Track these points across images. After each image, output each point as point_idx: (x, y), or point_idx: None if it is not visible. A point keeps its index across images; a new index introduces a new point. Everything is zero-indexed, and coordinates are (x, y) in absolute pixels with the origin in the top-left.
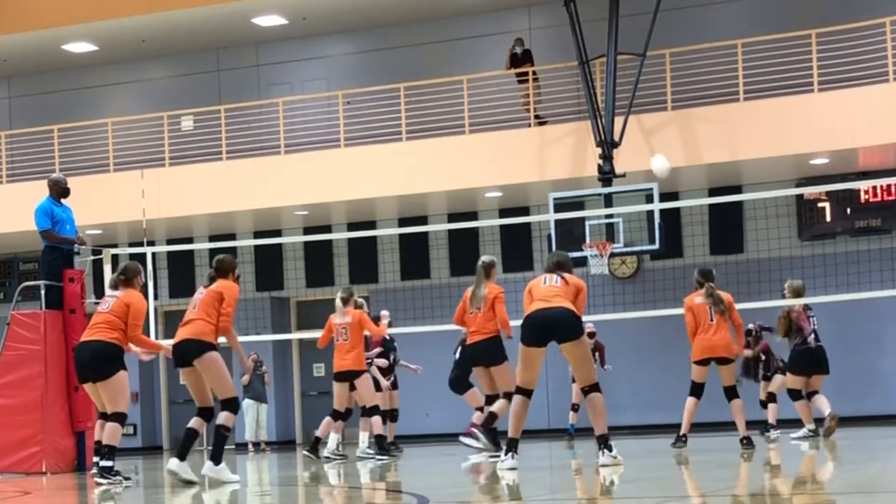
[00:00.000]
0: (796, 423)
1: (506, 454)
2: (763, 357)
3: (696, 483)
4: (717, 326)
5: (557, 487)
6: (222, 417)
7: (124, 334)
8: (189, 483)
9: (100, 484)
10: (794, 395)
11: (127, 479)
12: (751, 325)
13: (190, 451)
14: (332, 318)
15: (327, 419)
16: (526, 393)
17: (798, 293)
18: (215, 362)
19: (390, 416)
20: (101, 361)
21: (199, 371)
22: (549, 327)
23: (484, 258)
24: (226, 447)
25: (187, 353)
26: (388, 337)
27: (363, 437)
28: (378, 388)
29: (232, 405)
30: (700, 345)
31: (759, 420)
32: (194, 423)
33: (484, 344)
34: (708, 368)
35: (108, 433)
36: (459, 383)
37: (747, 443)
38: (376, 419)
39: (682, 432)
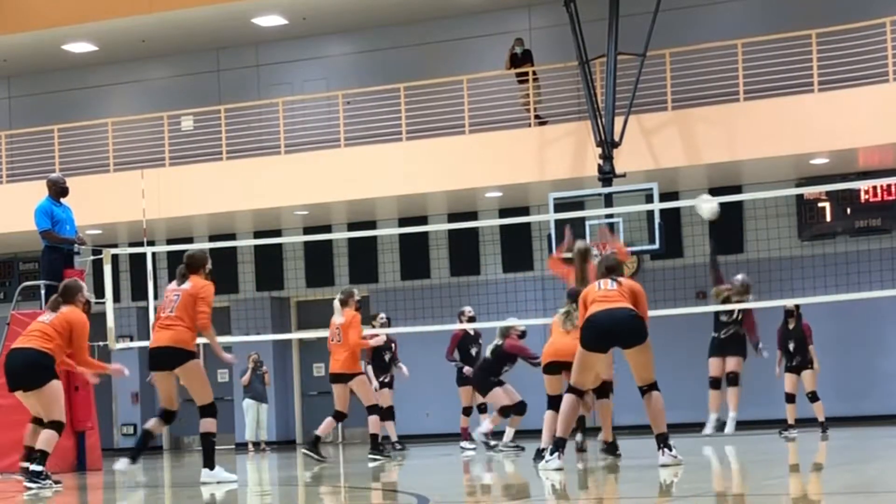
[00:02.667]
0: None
1: (551, 454)
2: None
3: (696, 483)
4: (574, 333)
5: (558, 487)
6: (206, 425)
7: (60, 347)
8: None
9: (28, 488)
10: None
11: (57, 482)
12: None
13: (143, 453)
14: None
15: (328, 419)
16: (579, 393)
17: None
18: (197, 370)
19: (388, 414)
20: (34, 371)
21: (172, 375)
22: (614, 332)
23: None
24: (224, 447)
25: (168, 360)
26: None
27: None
28: None
29: (211, 410)
30: (548, 350)
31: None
32: (153, 424)
33: None
34: (561, 378)
35: (44, 439)
36: (487, 383)
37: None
38: (373, 418)
39: (542, 446)
